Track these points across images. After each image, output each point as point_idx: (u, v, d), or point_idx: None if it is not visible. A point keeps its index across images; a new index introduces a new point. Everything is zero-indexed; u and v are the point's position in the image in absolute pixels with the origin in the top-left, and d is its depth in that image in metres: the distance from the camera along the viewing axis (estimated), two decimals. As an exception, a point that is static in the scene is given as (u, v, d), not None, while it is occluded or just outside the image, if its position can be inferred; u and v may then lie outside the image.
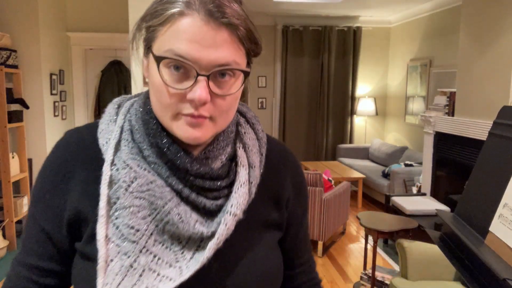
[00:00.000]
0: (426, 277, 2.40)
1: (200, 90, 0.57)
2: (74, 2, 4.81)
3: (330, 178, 4.18)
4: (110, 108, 0.70)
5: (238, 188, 0.64)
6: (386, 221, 3.14)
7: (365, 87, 6.61)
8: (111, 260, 0.59)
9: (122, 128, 0.65)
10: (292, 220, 0.76)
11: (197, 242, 0.63)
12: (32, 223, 0.68)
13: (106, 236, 0.59)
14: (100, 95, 5.02)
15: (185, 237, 0.62)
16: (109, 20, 4.75)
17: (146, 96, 0.67)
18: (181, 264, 0.61)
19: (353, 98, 6.49)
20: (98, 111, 5.05)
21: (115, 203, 0.60)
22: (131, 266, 0.59)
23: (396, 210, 3.83)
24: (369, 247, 3.90)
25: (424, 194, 4.20)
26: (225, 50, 0.58)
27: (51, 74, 4.37)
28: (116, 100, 0.71)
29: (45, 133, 4.25)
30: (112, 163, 0.62)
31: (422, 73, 5.53)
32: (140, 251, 0.60)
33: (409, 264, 2.41)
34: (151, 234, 0.61)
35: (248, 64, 0.64)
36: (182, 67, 0.58)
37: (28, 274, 0.68)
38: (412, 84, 5.83)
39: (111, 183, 0.61)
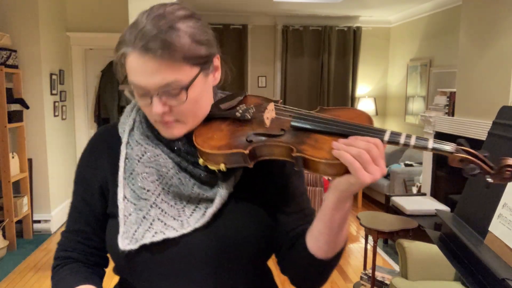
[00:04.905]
0: (426, 277, 2.40)
1: (155, 106, 0.74)
2: (74, 2, 4.80)
3: (330, 178, 4.18)
4: (128, 108, 0.89)
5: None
6: (386, 221, 3.14)
7: (365, 87, 6.61)
8: (130, 214, 0.78)
9: (134, 120, 0.85)
10: (280, 186, 0.86)
11: (195, 203, 0.80)
12: (74, 197, 0.88)
13: (125, 196, 0.79)
14: (100, 95, 5.02)
15: (186, 197, 0.79)
16: (109, 20, 4.74)
17: None
18: (182, 218, 0.78)
19: (353, 98, 6.49)
20: (98, 111, 5.04)
21: (131, 173, 0.80)
22: (144, 217, 0.77)
23: (396, 210, 3.83)
24: (369, 247, 3.90)
25: (424, 194, 4.20)
26: (163, 74, 0.71)
27: (51, 74, 4.37)
28: (133, 102, 0.88)
29: (45, 133, 4.25)
30: (127, 144, 0.82)
31: (422, 73, 5.53)
32: (151, 206, 0.78)
33: (409, 264, 2.41)
34: (159, 194, 0.79)
35: (206, 63, 0.76)
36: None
37: (75, 237, 0.86)
38: (412, 84, 5.83)
39: (127, 158, 0.81)
